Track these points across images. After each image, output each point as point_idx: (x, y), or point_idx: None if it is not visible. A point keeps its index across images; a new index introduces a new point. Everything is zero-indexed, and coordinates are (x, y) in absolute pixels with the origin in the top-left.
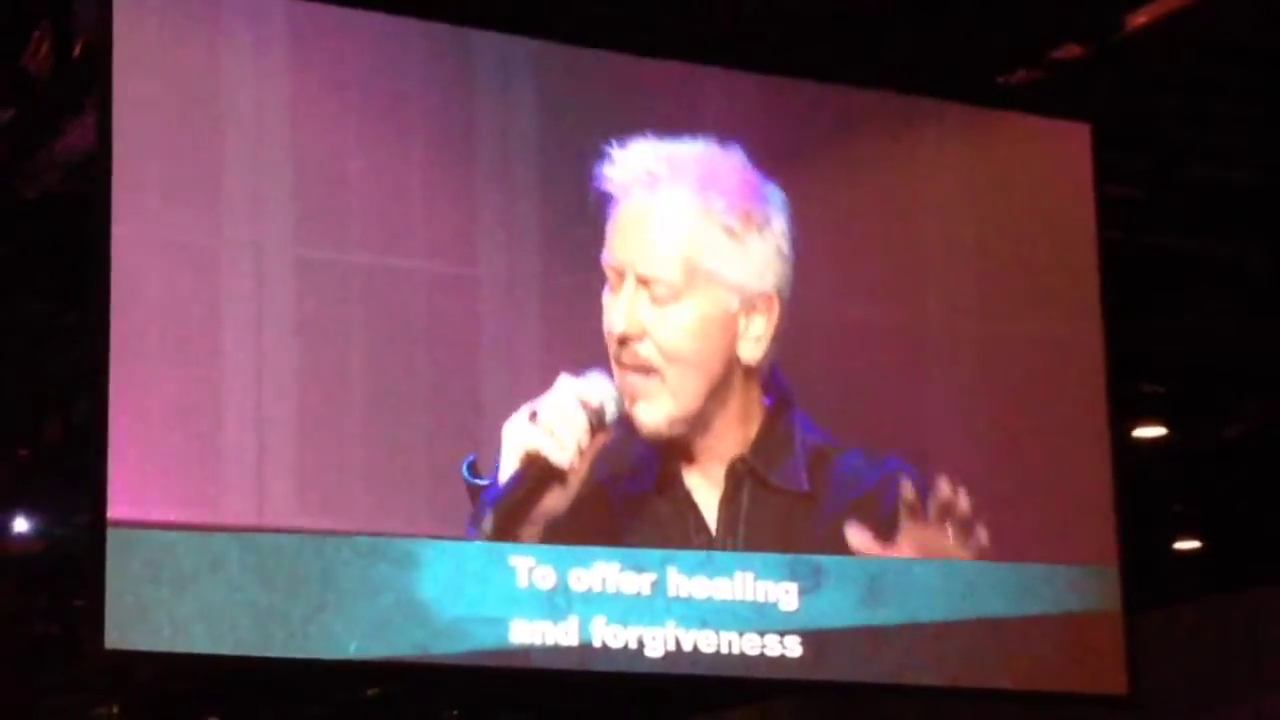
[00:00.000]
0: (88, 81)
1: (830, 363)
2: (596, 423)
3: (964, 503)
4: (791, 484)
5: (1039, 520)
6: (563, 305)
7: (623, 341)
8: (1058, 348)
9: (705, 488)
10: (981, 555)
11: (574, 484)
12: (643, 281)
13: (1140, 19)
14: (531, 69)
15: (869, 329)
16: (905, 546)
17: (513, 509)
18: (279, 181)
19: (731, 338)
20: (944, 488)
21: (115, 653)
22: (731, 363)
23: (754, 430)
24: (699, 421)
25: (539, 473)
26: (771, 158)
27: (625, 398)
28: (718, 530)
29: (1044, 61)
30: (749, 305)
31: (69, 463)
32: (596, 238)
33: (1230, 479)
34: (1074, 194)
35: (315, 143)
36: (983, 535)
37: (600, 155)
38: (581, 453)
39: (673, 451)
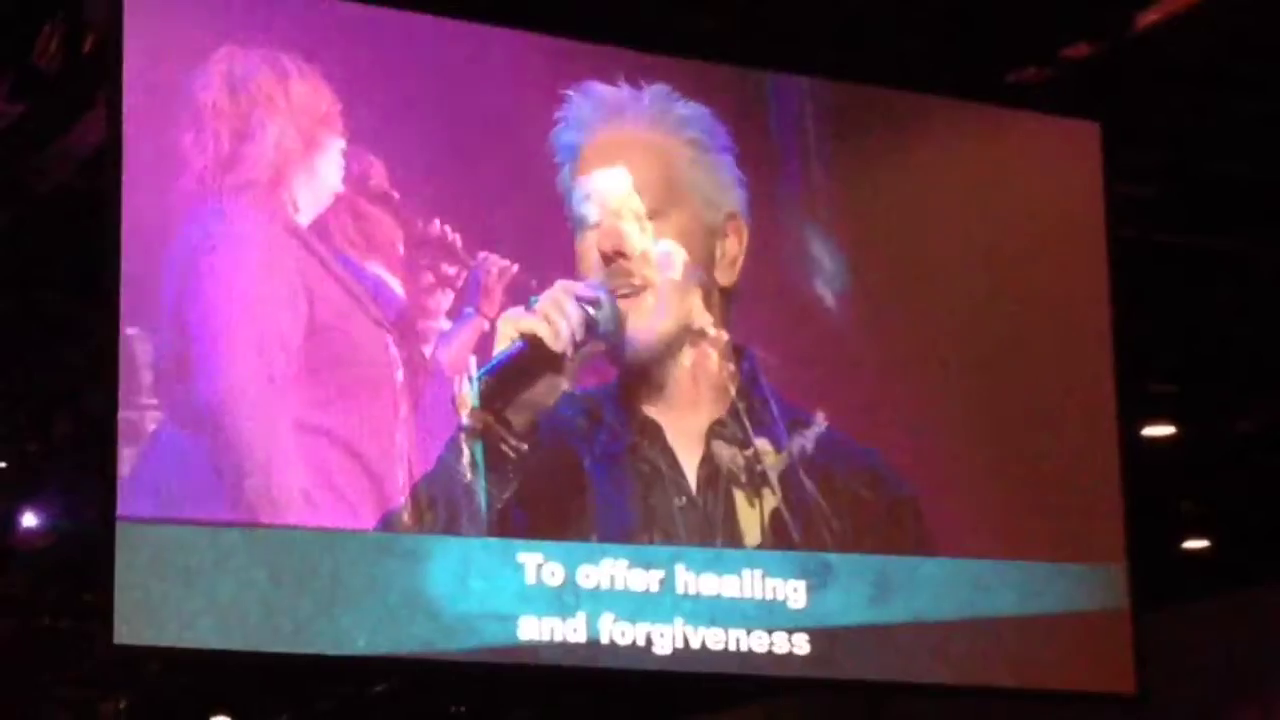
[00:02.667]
0: (98, 76)
1: (833, 357)
2: (590, 321)
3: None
4: (772, 444)
5: (1047, 519)
6: None
7: (610, 260)
8: (1066, 345)
9: (683, 447)
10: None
11: (565, 378)
12: (627, 199)
13: (1150, 17)
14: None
15: (875, 326)
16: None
17: (502, 384)
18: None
19: (710, 257)
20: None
21: (124, 647)
22: (710, 284)
23: (729, 397)
24: (682, 345)
25: (533, 353)
26: (778, 153)
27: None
28: (697, 488)
29: (1054, 60)
30: (723, 226)
31: (79, 457)
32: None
33: (1239, 478)
34: (1084, 192)
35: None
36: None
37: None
38: (576, 345)
39: (647, 409)
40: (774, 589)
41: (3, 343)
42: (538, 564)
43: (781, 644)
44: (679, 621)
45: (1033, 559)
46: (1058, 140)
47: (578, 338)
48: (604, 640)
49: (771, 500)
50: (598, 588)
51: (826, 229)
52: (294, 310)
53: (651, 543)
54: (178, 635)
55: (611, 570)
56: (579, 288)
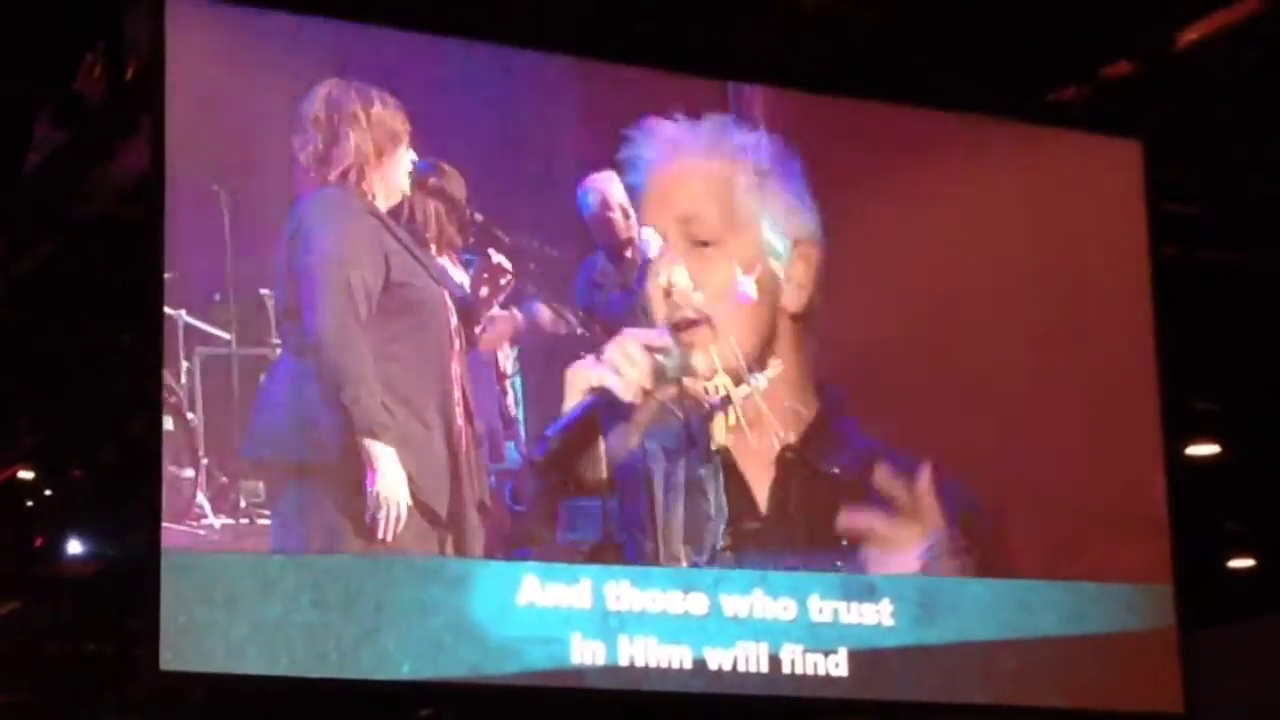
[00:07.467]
0: (140, 104)
1: (884, 377)
2: (659, 368)
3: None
4: (843, 473)
5: (1093, 539)
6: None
7: (668, 293)
8: (1110, 364)
9: (755, 471)
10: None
11: (636, 425)
12: (681, 226)
13: (1191, 35)
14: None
15: (920, 346)
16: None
17: (574, 442)
18: None
19: (775, 284)
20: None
21: (170, 674)
22: (776, 311)
23: (805, 423)
24: (752, 375)
25: (603, 407)
26: (824, 174)
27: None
28: (768, 510)
29: (1095, 78)
30: (787, 250)
31: (123, 484)
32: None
33: None
34: (1126, 211)
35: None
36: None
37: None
38: (645, 394)
39: (723, 433)
40: (819, 610)
41: (47, 369)
42: (583, 589)
43: (826, 666)
44: (723, 644)
45: (1078, 579)
46: (1099, 159)
47: (646, 386)
48: (649, 664)
49: (838, 519)
50: (643, 611)
51: (872, 253)
52: (375, 268)
53: (717, 565)
54: (223, 661)
55: (656, 594)
56: (647, 335)
